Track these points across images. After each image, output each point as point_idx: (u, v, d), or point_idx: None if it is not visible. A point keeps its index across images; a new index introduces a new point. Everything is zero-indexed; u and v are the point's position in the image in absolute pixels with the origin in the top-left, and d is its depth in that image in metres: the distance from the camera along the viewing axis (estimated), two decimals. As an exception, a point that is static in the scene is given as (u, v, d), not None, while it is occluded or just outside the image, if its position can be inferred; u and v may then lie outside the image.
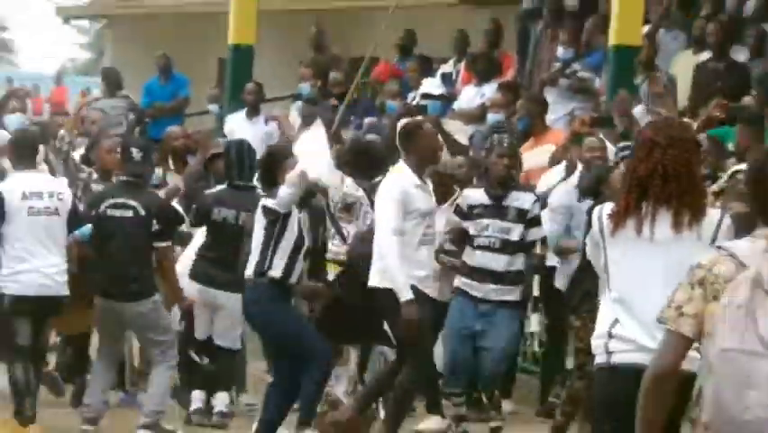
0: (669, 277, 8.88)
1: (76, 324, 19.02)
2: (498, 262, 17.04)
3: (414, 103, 24.40)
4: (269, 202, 16.98)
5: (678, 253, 9.19)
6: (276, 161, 17.72)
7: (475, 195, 17.47)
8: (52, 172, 20.10)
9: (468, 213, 17.17)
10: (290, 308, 17.57)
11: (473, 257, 17.40)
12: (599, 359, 9.60)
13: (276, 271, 16.70)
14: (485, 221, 17.05)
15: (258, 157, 19.47)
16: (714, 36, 23.16)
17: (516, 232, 16.96)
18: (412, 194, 16.49)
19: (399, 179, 16.80)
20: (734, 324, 7.00)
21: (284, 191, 16.42)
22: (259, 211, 16.99)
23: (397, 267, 15.72)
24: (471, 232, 17.11)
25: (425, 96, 25.08)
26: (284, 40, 28.79)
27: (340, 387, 18.74)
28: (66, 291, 17.82)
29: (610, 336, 9.47)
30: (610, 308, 9.71)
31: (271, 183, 17.31)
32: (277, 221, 16.76)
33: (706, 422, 7.25)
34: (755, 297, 6.96)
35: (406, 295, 15.53)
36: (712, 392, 7.25)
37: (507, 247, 17.00)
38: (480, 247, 17.59)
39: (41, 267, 17.24)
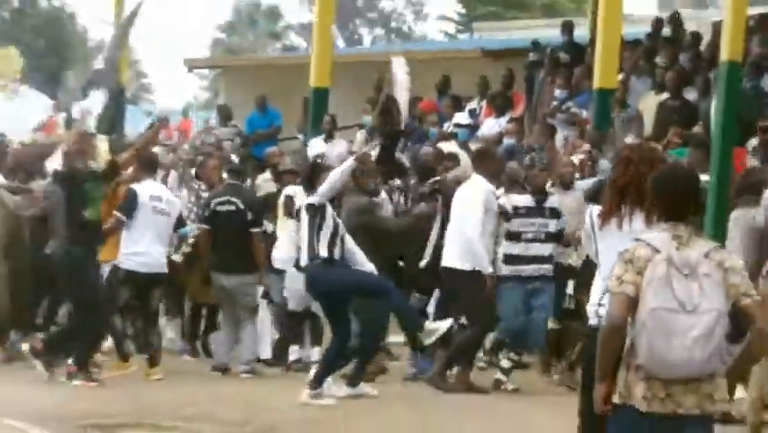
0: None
1: (206, 295, 19.45)
2: (544, 249, 17.10)
3: (448, 130, 24.49)
4: (311, 199, 16.75)
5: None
6: (316, 173, 17.46)
7: (520, 199, 17.23)
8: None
9: (513, 213, 17.14)
10: (343, 268, 16.64)
11: (528, 248, 17.15)
12: (592, 321, 9.71)
13: (323, 253, 16.35)
14: (530, 219, 17.10)
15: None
16: (671, 81, 23.19)
17: (552, 226, 17.07)
18: (491, 199, 16.82)
19: (483, 187, 16.98)
20: (657, 290, 7.68)
21: (323, 187, 16.11)
22: (303, 211, 16.78)
23: (483, 252, 16.28)
24: (518, 228, 17.16)
25: (457, 125, 25.37)
26: (352, 83, 28.75)
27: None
28: (164, 270, 18.34)
29: (600, 305, 9.44)
30: (600, 284, 9.72)
31: (311, 187, 17.08)
32: (316, 215, 16.47)
33: (640, 364, 7.79)
34: (670, 271, 7.69)
35: (490, 271, 16.19)
36: (645, 341, 7.75)
37: (548, 238, 17.09)
38: (529, 240, 17.26)
39: (151, 252, 17.63)
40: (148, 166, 18.90)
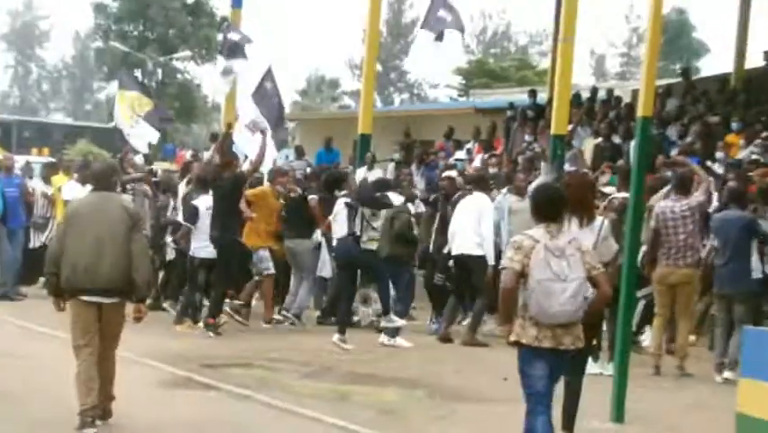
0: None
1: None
2: None
3: (452, 162, 24.29)
4: (347, 200, 16.39)
5: (582, 238, 9.73)
6: (338, 181, 17.74)
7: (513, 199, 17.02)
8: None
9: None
10: (365, 251, 16.22)
11: None
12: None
13: (356, 230, 15.93)
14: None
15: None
16: (604, 130, 23.36)
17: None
18: (491, 207, 16.69)
19: (483, 199, 16.64)
20: (540, 267, 8.28)
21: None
22: (341, 204, 16.33)
23: (491, 247, 15.90)
24: None
25: (457, 159, 25.31)
26: (386, 131, 28.87)
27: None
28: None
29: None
30: None
31: (331, 192, 17.36)
32: (352, 210, 16.06)
33: (532, 315, 8.40)
34: (547, 254, 8.32)
35: (492, 263, 15.56)
36: (535, 301, 8.32)
37: None
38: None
39: (209, 244, 16.66)
40: (203, 185, 17.98)
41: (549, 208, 8.81)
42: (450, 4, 19.45)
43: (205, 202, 17.39)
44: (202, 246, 17.16)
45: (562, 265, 8.36)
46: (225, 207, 16.87)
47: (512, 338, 8.49)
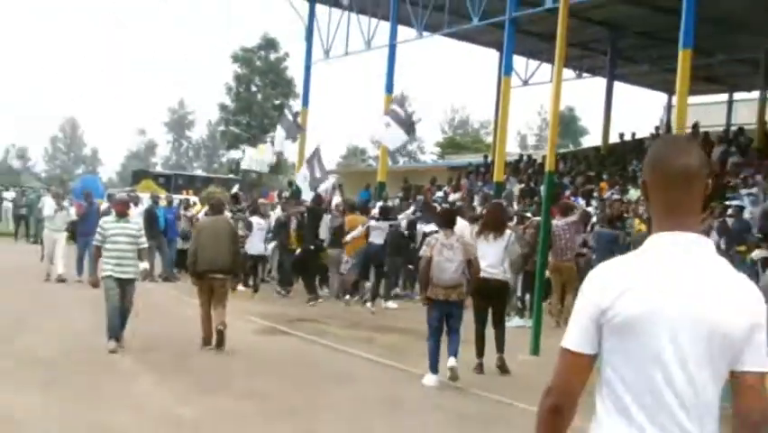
0: (495, 254, 9.66)
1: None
2: None
3: (435, 198, 23.37)
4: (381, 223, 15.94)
5: (496, 246, 9.64)
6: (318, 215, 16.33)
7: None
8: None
9: None
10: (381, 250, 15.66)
11: None
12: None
13: (379, 241, 15.56)
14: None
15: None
16: (526, 180, 23.22)
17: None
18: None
19: (466, 226, 14.62)
20: (438, 253, 8.60)
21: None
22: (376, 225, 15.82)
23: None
24: None
25: (438, 197, 24.14)
26: (395, 179, 28.42)
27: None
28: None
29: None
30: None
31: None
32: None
33: (434, 282, 8.70)
34: (442, 247, 8.75)
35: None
36: (435, 273, 8.72)
37: None
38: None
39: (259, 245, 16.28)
40: (254, 210, 17.49)
41: (445, 222, 9.37)
42: (400, 115, 18.99)
43: (257, 222, 16.86)
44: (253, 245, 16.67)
45: (449, 253, 8.80)
46: (313, 225, 16.25)
47: (429, 297, 8.90)
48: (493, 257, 9.59)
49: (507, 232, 9.99)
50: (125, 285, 9.48)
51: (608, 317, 2.18)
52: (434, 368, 8.75)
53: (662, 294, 2.16)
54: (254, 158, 23.31)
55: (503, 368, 9.49)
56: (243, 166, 25.27)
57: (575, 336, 2.22)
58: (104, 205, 18.49)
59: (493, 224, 9.87)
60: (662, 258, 2.20)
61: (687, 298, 2.15)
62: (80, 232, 16.47)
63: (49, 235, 16.96)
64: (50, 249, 16.83)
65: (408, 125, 19.84)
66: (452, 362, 8.71)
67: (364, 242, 16.03)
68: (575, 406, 2.23)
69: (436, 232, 14.22)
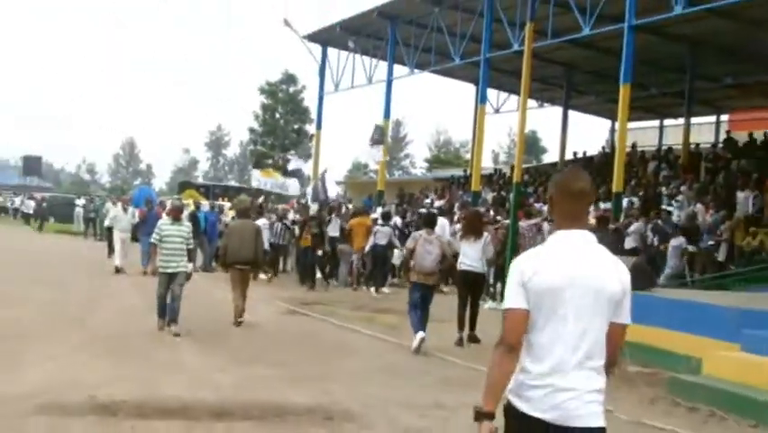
0: (475, 252, 9.66)
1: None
2: None
3: (425, 203, 23.27)
4: (384, 228, 15.64)
5: (476, 246, 9.66)
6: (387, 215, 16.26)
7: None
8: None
9: None
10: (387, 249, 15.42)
11: None
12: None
13: (383, 242, 15.38)
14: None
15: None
16: (497, 190, 23.17)
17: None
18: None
19: (446, 224, 14.89)
20: (420, 247, 8.79)
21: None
22: (380, 226, 15.62)
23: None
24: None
25: (426, 203, 24.07)
26: (392, 188, 28.27)
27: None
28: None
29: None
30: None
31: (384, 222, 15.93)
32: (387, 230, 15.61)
33: (416, 268, 8.76)
34: (424, 242, 8.85)
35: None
36: (417, 261, 8.83)
37: None
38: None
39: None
40: (259, 215, 16.89)
41: (427, 223, 9.63)
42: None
43: (263, 222, 15.88)
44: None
45: (429, 247, 9.00)
46: (321, 231, 16.01)
47: (411, 279, 9.15)
48: (473, 255, 9.71)
49: (485, 234, 10.04)
50: (174, 276, 9.34)
51: (527, 288, 2.58)
52: (416, 329, 9.00)
53: (565, 270, 2.58)
54: (260, 178, 22.95)
55: (474, 339, 9.63)
56: (253, 184, 24.81)
57: (512, 300, 2.61)
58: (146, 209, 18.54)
59: (472, 230, 9.90)
60: (564, 246, 2.64)
61: (581, 272, 2.58)
62: (143, 232, 16.29)
63: (117, 235, 16.79)
64: (117, 246, 16.69)
65: (380, 141, 20.47)
66: (420, 334, 8.89)
67: (366, 239, 15.87)
68: (521, 346, 2.59)
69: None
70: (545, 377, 2.55)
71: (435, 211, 17.26)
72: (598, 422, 2.56)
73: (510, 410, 2.61)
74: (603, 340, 2.60)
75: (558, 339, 2.56)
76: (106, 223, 18.48)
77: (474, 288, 9.85)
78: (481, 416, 2.55)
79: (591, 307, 2.57)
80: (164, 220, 9.67)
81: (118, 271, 16.02)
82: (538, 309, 2.58)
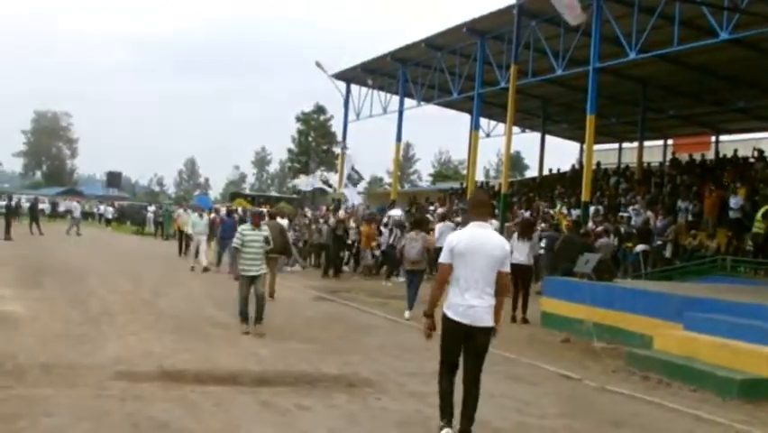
0: (526, 249, 9.81)
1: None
2: None
3: (431, 209, 23.26)
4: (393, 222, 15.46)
5: (527, 245, 9.99)
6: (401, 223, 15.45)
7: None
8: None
9: None
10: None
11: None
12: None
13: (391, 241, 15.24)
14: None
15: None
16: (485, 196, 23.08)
17: None
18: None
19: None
20: (408, 242, 9.14)
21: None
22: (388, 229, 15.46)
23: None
24: None
25: (431, 209, 24.23)
26: (403, 197, 28.42)
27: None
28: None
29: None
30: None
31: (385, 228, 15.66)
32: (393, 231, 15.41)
33: (405, 258, 8.95)
34: (410, 239, 9.21)
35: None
36: (405, 252, 9.08)
37: None
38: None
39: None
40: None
41: (415, 225, 10.18)
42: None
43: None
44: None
45: (414, 243, 9.62)
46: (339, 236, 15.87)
47: (405, 268, 9.85)
48: (523, 251, 9.83)
49: (534, 236, 10.50)
50: (255, 279, 8.20)
51: (454, 251, 3.96)
52: (410, 306, 9.61)
53: (471, 242, 3.94)
54: (304, 181, 26.02)
55: (525, 320, 9.83)
56: (299, 187, 26.94)
57: (444, 258, 4.00)
58: (212, 215, 18.19)
59: (525, 233, 10.14)
60: (472, 230, 3.99)
61: (479, 243, 3.93)
62: (222, 236, 15.44)
63: (195, 238, 15.69)
64: (194, 248, 15.64)
65: (356, 180, 20.95)
66: (407, 314, 9.45)
67: (370, 242, 16.28)
68: (447, 283, 4.00)
69: (399, 215, 15.45)
70: (461, 299, 3.90)
71: (426, 216, 16.75)
72: (489, 324, 3.93)
73: (444, 317, 3.98)
74: (493, 280, 3.91)
75: (467, 279, 3.88)
76: (188, 229, 16.78)
77: (524, 278, 9.90)
78: (426, 316, 4.14)
79: (485, 261, 3.88)
80: (245, 226, 8.34)
81: (205, 270, 14.89)
82: (457, 263, 3.92)
